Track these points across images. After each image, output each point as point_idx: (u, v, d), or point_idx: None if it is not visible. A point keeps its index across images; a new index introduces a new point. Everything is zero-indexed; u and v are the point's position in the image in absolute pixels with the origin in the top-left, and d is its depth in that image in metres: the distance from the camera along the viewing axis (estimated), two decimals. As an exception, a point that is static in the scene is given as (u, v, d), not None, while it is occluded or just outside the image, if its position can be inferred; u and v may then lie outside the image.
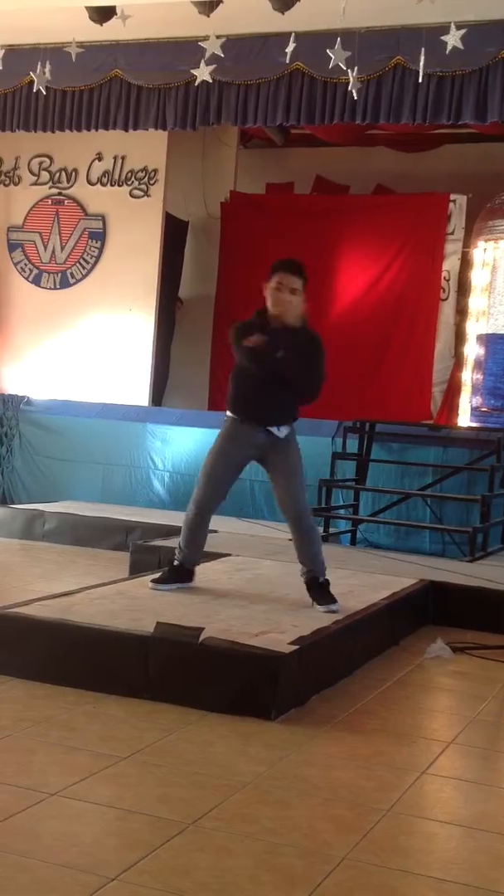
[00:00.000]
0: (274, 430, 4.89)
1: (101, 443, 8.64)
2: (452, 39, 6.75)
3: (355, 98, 7.29)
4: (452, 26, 6.75)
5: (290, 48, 7.08)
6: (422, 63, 6.88)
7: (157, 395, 9.90)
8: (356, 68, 6.99)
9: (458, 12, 6.75)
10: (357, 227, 9.87)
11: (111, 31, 7.55)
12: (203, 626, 4.09)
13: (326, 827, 2.87)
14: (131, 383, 9.41)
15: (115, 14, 7.31)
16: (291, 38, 7.05)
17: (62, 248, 9.77)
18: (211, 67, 7.45)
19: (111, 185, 9.60)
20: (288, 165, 11.36)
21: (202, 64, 7.42)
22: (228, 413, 5.04)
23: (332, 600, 4.81)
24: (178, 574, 5.10)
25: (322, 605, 4.79)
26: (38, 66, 7.79)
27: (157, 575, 5.20)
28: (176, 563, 5.14)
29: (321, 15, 6.90)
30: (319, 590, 4.86)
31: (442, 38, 6.81)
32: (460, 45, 6.76)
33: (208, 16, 7.12)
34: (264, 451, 4.96)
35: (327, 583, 4.90)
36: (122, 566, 6.42)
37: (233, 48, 7.52)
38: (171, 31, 7.85)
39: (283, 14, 6.95)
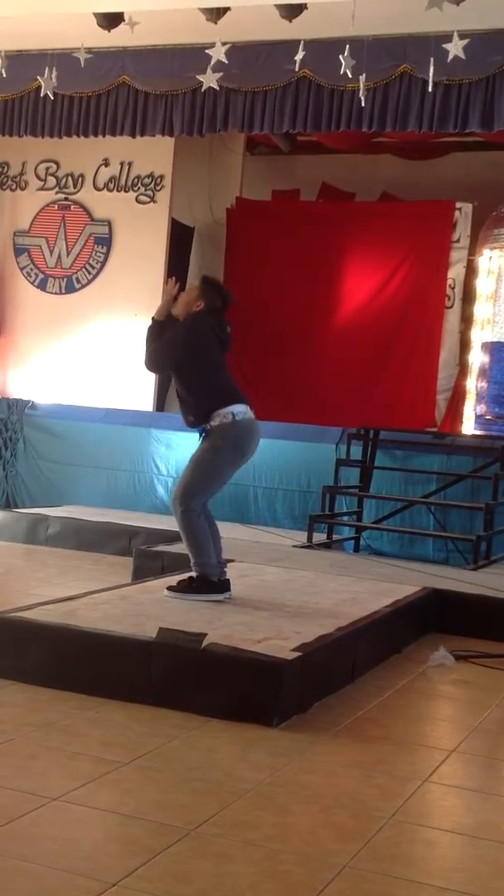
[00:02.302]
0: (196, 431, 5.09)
1: (105, 448, 8.64)
2: (454, 48, 6.76)
3: (362, 105, 7.31)
4: (455, 35, 6.76)
5: (297, 56, 7.09)
6: (431, 71, 6.88)
7: (162, 400, 9.91)
8: (363, 76, 6.99)
9: (466, 21, 6.75)
10: (362, 234, 9.88)
11: (119, 38, 7.58)
12: (205, 632, 4.09)
13: (328, 834, 2.86)
14: (136, 388, 9.41)
15: (123, 20, 7.33)
16: (300, 46, 7.06)
17: (68, 254, 9.79)
18: (218, 74, 7.46)
19: (117, 190, 9.62)
20: (294, 172, 11.38)
21: (209, 70, 7.43)
22: None
23: (179, 589, 4.93)
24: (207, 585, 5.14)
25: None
26: (46, 72, 7.81)
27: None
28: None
29: (328, 23, 6.91)
30: (184, 579, 5.02)
31: (444, 45, 6.81)
32: (462, 55, 6.77)
33: (216, 23, 7.14)
34: None
35: (192, 581, 4.97)
36: (125, 571, 6.42)
37: (240, 55, 7.53)
38: (179, 38, 7.86)
39: (290, 21, 6.97)
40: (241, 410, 5.00)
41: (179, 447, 8.37)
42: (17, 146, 9.50)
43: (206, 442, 5.00)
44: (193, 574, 5.00)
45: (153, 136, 8.45)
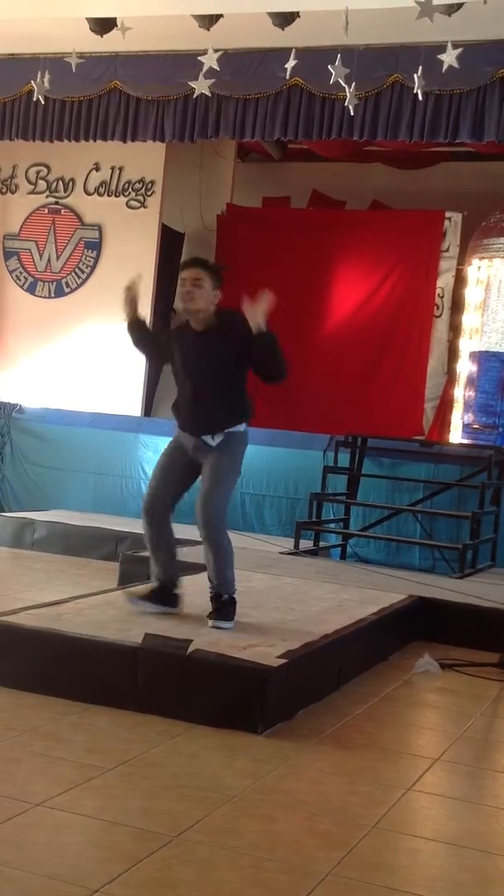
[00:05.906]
0: (207, 438, 4.65)
1: (93, 452, 8.63)
2: (449, 58, 6.78)
3: (353, 114, 7.32)
4: (449, 45, 6.78)
5: (289, 63, 7.10)
6: (417, 80, 6.89)
7: (150, 405, 9.91)
8: (354, 84, 7.01)
9: (457, 31, 6.78)
10: (352, 242, 9.89)
11: (111, 43, 7.57)
12: (191, 639, 4.08)
13: (311, 842, 2.86)
14: (124, 393, 9.40)
15: (116, 26, 7.33)
16: (291, 54, 7.08)
17: (58, 257, 9.78)
18: (210, 81, 7.47)
19: (108, 195, 9.62)
20: (285, 180, 11.40)
21: (201, 77, 7.44)
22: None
23: (225, 617, 4.54)
24: (158, 594, 4.76)
25: (211, 619, 4.53)
26: (38, 76, 7.81)
27: (141, 588, 4.90)
28: (156, 581, 4.83)
29: (320, 31, 6.93)
30: (218, 604, 4.60)
31: (439, 56, 6.83)
32: (456, 64, 6.79)
33: (208, 29, 7.15)
34: (199, 455, 4.70)
35: (231, 601, 4.62)
36: (111, 576, 6.40)
37: (232, 62, 7.54)
38: (171, 44, 7.87)
39: (282, 29, 6.99)
40: None
41: (167, 453, 8.36)
42: (8, 149, 9.49)
43: (225, 453, 4.66)
44: (224, 595, 4.60)
45: (144, 142, 8.45)
